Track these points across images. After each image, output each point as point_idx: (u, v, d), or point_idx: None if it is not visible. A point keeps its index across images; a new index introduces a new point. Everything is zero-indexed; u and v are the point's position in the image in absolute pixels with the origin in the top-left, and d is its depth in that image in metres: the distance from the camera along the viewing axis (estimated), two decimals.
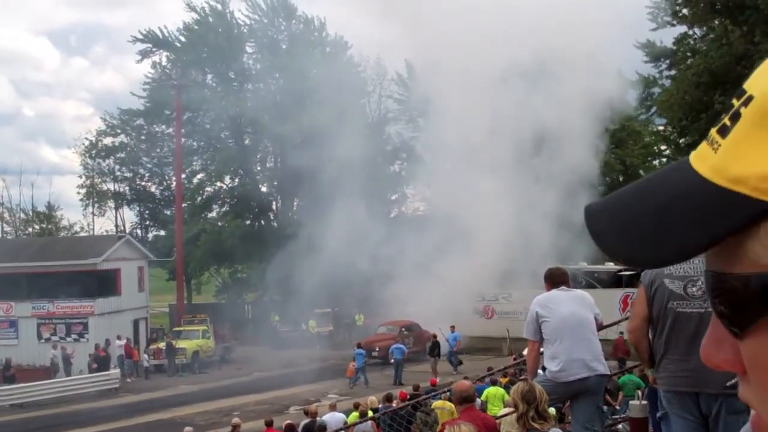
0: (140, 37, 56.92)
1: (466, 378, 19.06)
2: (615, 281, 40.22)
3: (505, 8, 41.82)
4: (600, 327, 7.13)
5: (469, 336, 40.56)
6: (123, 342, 38.38)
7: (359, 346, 33.04)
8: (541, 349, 7.00)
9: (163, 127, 58.95)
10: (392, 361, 33.36)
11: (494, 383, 19.08)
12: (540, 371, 7.09)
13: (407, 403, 16.54)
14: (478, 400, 18.08)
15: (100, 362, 36.49)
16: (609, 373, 7.48)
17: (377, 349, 37.14)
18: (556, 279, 7.06)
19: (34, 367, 38.20)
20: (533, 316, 6.88)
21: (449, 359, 34.07)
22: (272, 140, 55.95)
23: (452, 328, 35.65)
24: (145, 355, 38.60)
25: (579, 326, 6.69)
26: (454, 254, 39.08)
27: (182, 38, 56.80)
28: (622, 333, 10.31)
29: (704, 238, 0.66)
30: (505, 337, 36.09)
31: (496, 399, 17.37)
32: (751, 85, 0.70)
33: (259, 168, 60.20)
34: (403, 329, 37.90)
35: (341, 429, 16.45)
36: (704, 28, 42.51)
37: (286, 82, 52.90)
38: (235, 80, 57.92)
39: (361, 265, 41.31)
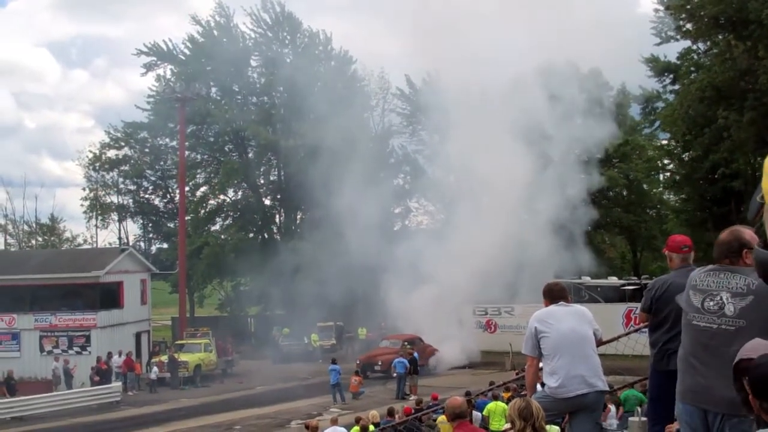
0: (145, 50, 57.22)
1: (467, 393, 18.99)
2: (618, 296, 40.14)
3: (510, 22, 41.95)
4: (599, 343, 7.03)
5: (472, 350, 40.55)
6: (122, 358, 38.09)
7: (334, 362, 32.66)
8: (540, 365, 6.88)
9: (167, 140, 59.10)
10: (395, 375, 33.12)
11: (496, 398, 19.04)
12: (539, 387, 6.96)
13: (408, 417, 16.46)
14: (479, 415, 18.05)
15: (102, 375, 36.33)
16: (608, 389, 7.37)
17: (380, 363, 37.11)
18: (555, 294, 6.97)
19: (36, 379, 38.06)
20: (532, 331, 6.79)
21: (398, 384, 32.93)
22: (276, 153, 56.04)
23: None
24: (156, 368, 38.19)
25: (578, 342, 6.63)
26: (457, 268, 38.84)
27: (186, 51, 57.00)
28: None
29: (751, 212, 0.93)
30: (507, 351, 35.93)
31: (497, 414, 17.26)
32: None
33: (262, 181, 60.21)
34: (406, 343, 37.57)
35: None
36: (708, 43, 42.46)
37: (290, 95, 52.95)
38: (239, 93, 58.07)
39: (365, 279, 41.19)
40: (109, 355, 38.05)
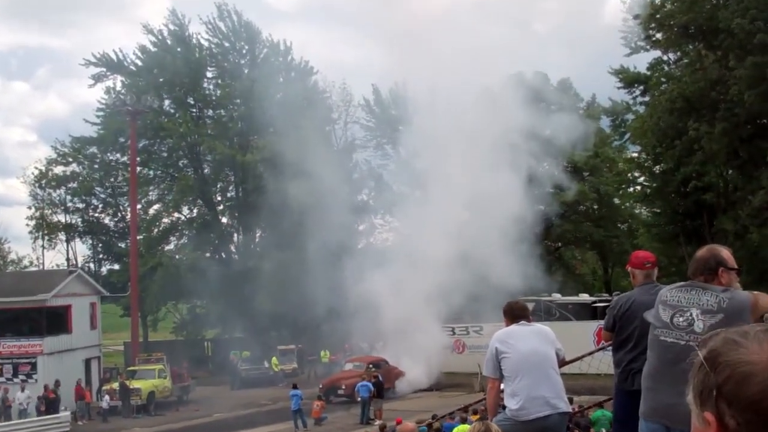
0: (93, 60, 55.96)
1: (434, 417, 17.81)
2: (589, 313, 39.83)
3: (479, 33, 41.86)
4: (562, 363, 7.06)
5: (439, 371, 39.94)
6: (25, 393, 36.11)
7: (295, 386, 32.22)
8: (502, 387, 6.92)
9: (118, 155, 58.30)
10: (359, 399, 32.67)
11: (464, 421, 18.70)
12: (501, 409, 7.00)
13: None
14: None
15: (49, 404, 35.41)
16: (571, 410, 7.54)
17: (343, 387, 36.80)
18: (516, 313, 7.01)
19: None
20: (492, 352, 6.80)
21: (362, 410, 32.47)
22: (233, 169, 55.12)
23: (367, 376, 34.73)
24: (107, 396, 37.46)
25: (540, 363, 6.66)
26: (421, 287, 38.29)
27: (138, 62, 56.19)
28: None
29: None
30: (476, 372, 34.82)
31: None
32: None
33: (219, 198, 59.75)
34: (371, 366, 37.19)
35: None
36: (678, 53, 42.39)
37: (248, 108, 51.87)
38: (194, 106, 57.52)
39: (327, 300, 40.80)
40: (57, 383, 36.92)
